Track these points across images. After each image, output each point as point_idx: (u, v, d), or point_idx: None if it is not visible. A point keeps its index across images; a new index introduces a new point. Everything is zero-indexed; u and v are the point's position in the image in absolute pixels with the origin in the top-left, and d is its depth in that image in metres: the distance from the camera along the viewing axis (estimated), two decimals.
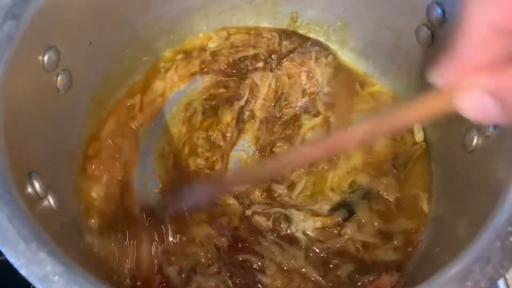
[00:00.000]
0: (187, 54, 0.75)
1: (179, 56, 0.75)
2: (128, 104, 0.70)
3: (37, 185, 0.46)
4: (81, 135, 0.64)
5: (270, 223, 0.61)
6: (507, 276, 0.60)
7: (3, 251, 0.35)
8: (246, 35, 0.77)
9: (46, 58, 0.52)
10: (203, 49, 0.76)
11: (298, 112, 0.71)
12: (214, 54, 0.75)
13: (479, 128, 0.52)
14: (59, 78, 0.55)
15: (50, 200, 0.48)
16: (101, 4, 0.60)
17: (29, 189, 0.44)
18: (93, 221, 0.60)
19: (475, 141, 0.53)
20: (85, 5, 0.58)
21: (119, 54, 0.68)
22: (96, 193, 0.62)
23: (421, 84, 0.67)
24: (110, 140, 0.66)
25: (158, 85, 0.72)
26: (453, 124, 0.58)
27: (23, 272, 0.34)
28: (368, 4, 0.69)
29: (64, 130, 0.59)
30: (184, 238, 0.60)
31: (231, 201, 0.63)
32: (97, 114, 0.67)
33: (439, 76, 0.33)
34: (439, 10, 0.56)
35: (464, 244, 0.38)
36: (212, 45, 0.76)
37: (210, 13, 0.74)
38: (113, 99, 0.70)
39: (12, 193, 0.39)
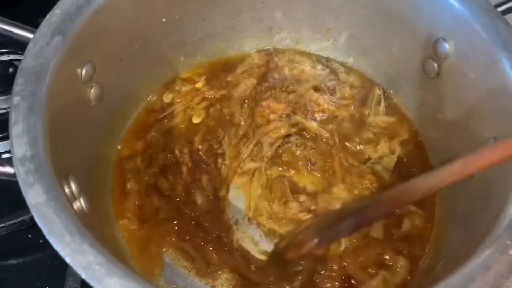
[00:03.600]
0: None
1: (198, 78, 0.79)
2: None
3: (73, 186, 0.49)
4: (106, 150, 0.68)
5: None
6: None
7: (51, 242, 0.38)
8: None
9: (84, 70, 0.57)
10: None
11: None
12: None
13: None
14: (92, 90, 0.60)
15: (82, 202, 0.52)
16: (132, 26, 0.65)
17: (67, 189, 0.48)
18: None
19: None
20: (119, 26, 0.62)
21: (144, 72, 0.72)
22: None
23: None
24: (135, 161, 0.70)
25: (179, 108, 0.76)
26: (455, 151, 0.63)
27: (68, 260, 0.37)
28: (378, 38, 0.74)
29: (93, 140, 0.63)
30: None
31: None
32: (119, 130, 0.72)
33: None
34: (445, 45, 0.61)
35: (467, 256, 0.42)
36: None
37: (232, 38, 0.80)
38: (134, 115, 0.74)
39: (56, 190, 0.42)
